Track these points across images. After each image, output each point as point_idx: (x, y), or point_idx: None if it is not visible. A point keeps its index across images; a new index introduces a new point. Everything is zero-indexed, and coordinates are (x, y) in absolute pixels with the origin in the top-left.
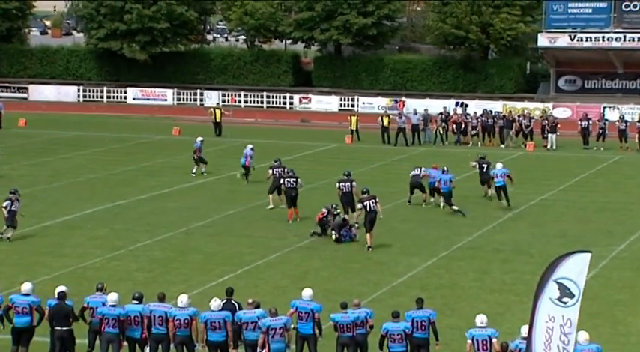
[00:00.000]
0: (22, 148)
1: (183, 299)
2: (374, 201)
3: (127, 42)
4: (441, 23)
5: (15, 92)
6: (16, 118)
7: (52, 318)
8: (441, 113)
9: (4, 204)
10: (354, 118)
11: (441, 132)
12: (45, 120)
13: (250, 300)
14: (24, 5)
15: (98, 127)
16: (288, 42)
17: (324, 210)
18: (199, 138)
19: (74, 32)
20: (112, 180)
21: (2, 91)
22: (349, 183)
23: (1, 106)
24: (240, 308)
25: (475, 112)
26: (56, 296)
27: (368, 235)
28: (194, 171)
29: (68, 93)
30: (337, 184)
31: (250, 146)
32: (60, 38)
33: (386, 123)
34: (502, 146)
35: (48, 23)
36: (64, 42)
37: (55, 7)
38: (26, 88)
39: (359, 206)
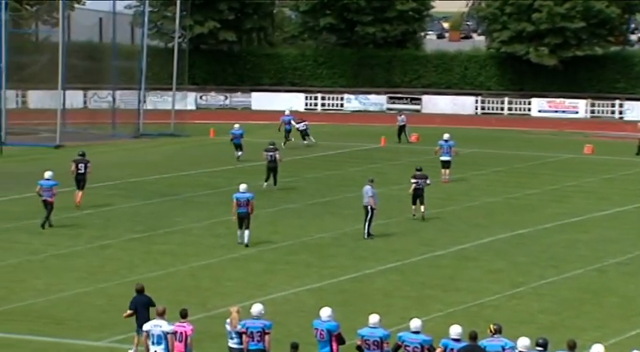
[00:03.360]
0: (410, 166)
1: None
2: None
3: (534, 45)
4: None
5: (407, 103)
6: (408, 132)
7: None
8: None
9: None
10: None
11: None
12: (438, 135)
13: None
14: (422, 6)
15: (497, 143)
16: None
17: None
18: None
19: (474, 35)
20: (513, 205)
21: (394, 103)
22: None
23: (403, 119)
24: None
25: None
26: (457, 336)
27: None
28: None
29: (465, 104)
30: None
31: None
32: (458, 42)
33: None
34: None
35: (446, 25)
36: (462, 46)
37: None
38: (419, 99)
39: None
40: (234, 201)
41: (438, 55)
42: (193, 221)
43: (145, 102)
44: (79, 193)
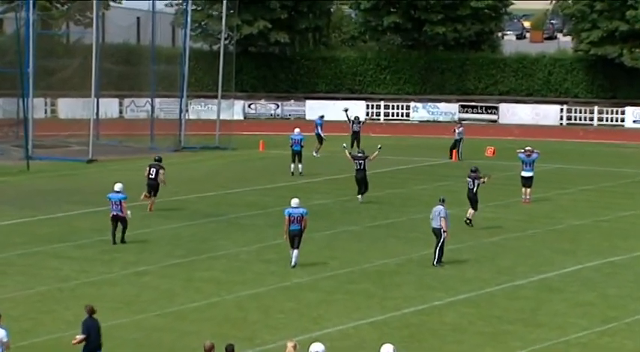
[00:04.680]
0: (489, 183)
1: None
2: None
3: (629, 46)
4: None
5: (482, 113)
6: (482, 146)
7: None
8: None
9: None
10: None
11: None
12: (516, 148)
13: None
14: (499, 3)
15: (585, 158)
16: None
17: None
18: None
19: (559, 35)
20: (603, 229)
21: (467, 112)
22: None
23: (462, 131)
24: None
25: None
26: None
27: None
28: None
29: (548, 114)
30: None
31: None
32: (541, 43)
33: None
34: None
35: (527, 24)
36: (545, 48)
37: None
38: (496, 108)
39: None
40: (286, 217)
41: (517, 58)
42: (240, 245)
43: (187, 111)
44: (152, 199)
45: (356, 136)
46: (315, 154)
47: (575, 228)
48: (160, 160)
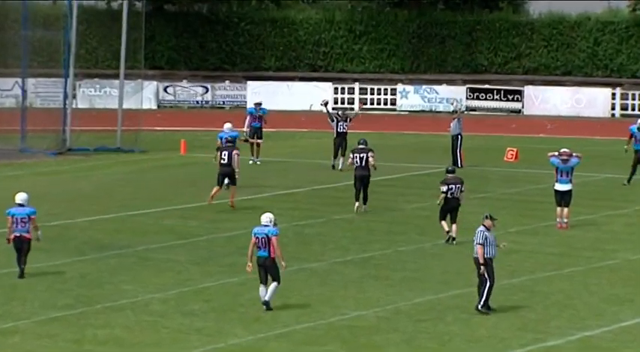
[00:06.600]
0: (510, 200)
1: None
2: None
3: None
4: None
5: (500, 100)
6: (500, 147)
7: None
8: None
9: None
10: None
11: None
12: (548, 150)
13: None
14: None
15: None
16: None
17: None
18: None
19: None
20: None
21: (478, 98)
22: None
23: (458, 124)
24: None
25: None
26: None
27: None
28: None
29: (594, 100)
30: None
31: None
32: (583, 0)
33: None
34: None
35: None
36: (589, 6)
37: None
38: (519, 93)
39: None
40: (252, 237)
41: (550, 21)
42: (152, 290)
43: (74, 97)
44: (231, 190)
45: (341, 140)
46: (252, 161)
47: (632, 264)
48: (233, 142)
